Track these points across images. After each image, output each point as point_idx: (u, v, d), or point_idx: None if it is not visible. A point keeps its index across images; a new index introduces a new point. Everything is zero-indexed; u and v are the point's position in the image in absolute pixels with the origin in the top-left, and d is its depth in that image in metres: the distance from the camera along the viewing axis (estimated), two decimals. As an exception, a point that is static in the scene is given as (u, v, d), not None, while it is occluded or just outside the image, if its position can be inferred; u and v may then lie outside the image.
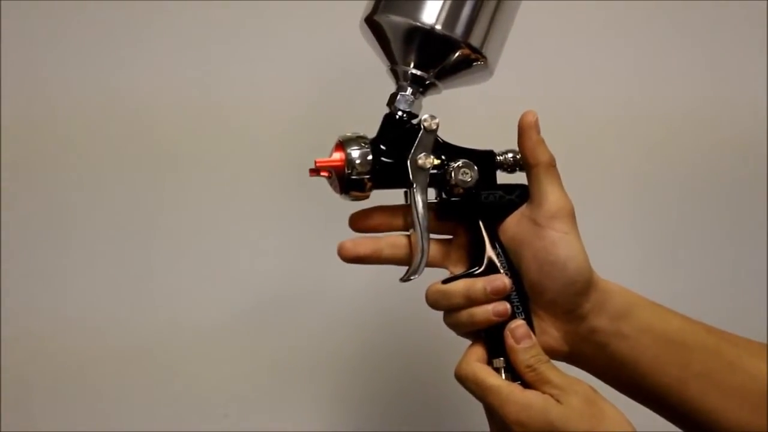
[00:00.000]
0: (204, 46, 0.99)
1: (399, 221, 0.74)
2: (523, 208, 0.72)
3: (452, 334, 0.73)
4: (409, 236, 0.73)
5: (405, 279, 0.72)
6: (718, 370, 0.71)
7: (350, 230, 0.74)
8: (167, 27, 0.98)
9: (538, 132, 0.71)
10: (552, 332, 0.72)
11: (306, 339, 1.03)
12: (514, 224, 0.72)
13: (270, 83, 1.01)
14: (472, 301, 0.70)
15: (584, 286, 0.70)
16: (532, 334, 0.70)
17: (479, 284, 0.69)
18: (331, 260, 0.73)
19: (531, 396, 0.66)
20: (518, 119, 0.72)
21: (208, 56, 0.99)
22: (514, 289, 0.71)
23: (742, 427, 0.70)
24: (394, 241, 0.72)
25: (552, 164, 0.71)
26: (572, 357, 0.73)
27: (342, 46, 0.94)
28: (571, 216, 0.71)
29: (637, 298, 0.73)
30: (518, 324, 0.70)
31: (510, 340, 0.69)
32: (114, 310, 0.99)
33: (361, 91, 0.87)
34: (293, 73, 1.01)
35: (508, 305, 0.69)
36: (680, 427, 0.73)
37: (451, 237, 0.75)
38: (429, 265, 0.72)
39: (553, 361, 0.70)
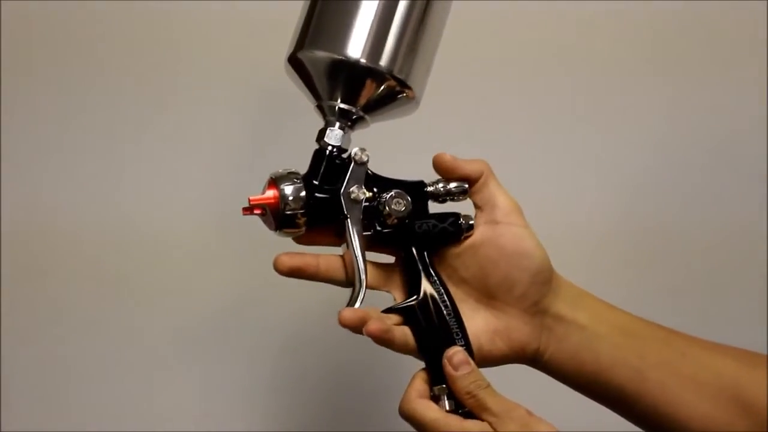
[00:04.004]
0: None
1: (334, 238, 0.74)
2: (477, 217, 0.74)
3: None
4: (343, 257, 0.73)
5: None
6: (673, 360, 0.73)
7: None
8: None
9: (456, 158, 0.73)
10: (523, 328, 0.73)
11: (287, 342, 1.05)
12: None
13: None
14: None
15: (549, 274, 0.73)
16: (470, 359, 0.70)
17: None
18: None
19: (468, 426, 0.67)
20: (433, 164, 0.74)
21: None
22: (453, 318, 0.72)
23: (700, 421, 0.71)
24: (329, 260, 0.73)
25: (491, 169, 0.74)
26: (540, 355, 0.74)
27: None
28: (522, 212, 0.74)
29: (583, 290, 0.76)
30: (455, 351, 0.70)
31: (448, 368, 0.69)
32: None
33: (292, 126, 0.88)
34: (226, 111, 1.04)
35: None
36: (641, 427, 0.75)
37: (392, 261, 0.75)
38: (370, 288, 0.72)
39: (523, 367, 0.73)
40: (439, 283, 0.73)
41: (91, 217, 1.01)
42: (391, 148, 0.84)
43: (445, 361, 0.70)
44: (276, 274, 0.72)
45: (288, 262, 0.71)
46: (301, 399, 1.06)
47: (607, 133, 1.10)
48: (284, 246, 0.73)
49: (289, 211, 0.70)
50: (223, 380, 1.04)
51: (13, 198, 1.00)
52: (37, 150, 1.01)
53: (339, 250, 0.74)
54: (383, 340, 0.69)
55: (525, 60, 1.08)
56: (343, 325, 0.68)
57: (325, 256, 0.73)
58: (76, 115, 1.01)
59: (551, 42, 1.08)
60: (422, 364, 0.71)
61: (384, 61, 0.70)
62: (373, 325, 0.68)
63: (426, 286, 0.72)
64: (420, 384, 0.70)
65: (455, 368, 0.69)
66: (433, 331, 0.71)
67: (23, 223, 1.01)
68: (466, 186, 0.74)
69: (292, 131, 0.92)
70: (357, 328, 0.68)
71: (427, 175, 0.75)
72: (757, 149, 1.11)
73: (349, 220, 0.71)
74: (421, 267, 0.73)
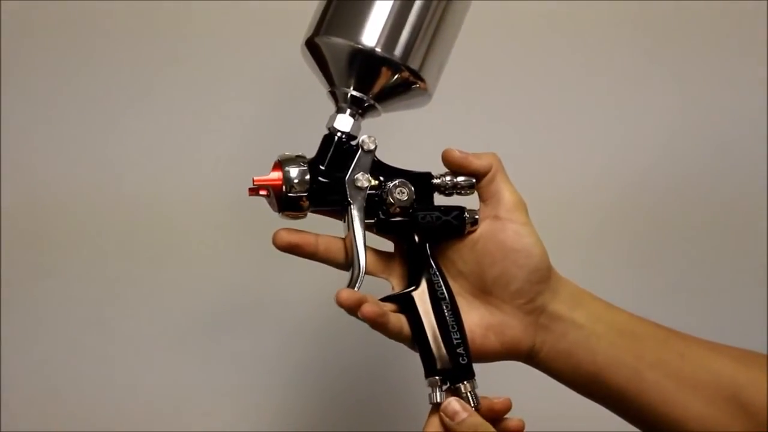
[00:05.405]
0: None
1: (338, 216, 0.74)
2: (481, 210, 0.74)
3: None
4: (344, 239, 0.73)
5: None
6: (671, 360, 0.73)
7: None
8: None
9: (466, 154, 0.74)
10: (516, 325, 0.73)
11: (290, 340, 1.05)
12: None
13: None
14: None
15: (546, 273, 0.73)
16: (464, 405, 0.69)
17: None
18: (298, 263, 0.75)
19: None
20: (442, 159, 0.74)
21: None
22: (450, 311, 0.72)
23: (697, 421, 0.71)
24: (329, 241, 0.73)
25: (501, 163, 0.74)
26: (535, 354, 0.74)
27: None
28: (526, 209, 0.74)
29: (582, 289, 0.75)
30: (448, 401, 0.69)
31: (446, 419, 0.69)
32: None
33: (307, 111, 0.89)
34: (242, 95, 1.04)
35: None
36: (639, 428, 0.75)
37: (392, 251, 0.76)
38: (369, 274, 0.72)
39: (523, 367, 0.73)
40: (439, 275, 0.73)
41: (94, 208, 1.02)
42: (402, 140, 0.84)
43: (441, 414, 0.69)
44: (291, 268, 0.71)
45: (286, 237, 0.72)
46: (310, 396, 1.06)
47: (607, 130, 1.10)
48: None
49: (292, 193, 0.70)
50: (230, 378, 1.04)
51: (11, 186, 1.00)
52: (38, 137, 1.01)
53: (340, 230, 0.74)
54: (377, 324, 0.69)
55: (525, 58, 1.08)
56: (340, 304, 0.69)
57: (325, 236, 0.73)
58: (78, 104, 1.01)
59: (552, 40, 1.09)
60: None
61: (398, 51, 0.71)
62: (368, 308, 0.68)
63: (425, 277, 0.72)
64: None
65: (452, 418, 0.68)
66: (428, 322, 0.71)
67: (22, 220, 1.01)
68: (474, 180, 0.74)
69: (305, 120, 0.92)
70: (353, 309, 0.68)
71: (438, 168, 0.75)
72: (757, 147, 1.10)
73: (352, 206, 0.71)
74: (421, 258, 0.73)
